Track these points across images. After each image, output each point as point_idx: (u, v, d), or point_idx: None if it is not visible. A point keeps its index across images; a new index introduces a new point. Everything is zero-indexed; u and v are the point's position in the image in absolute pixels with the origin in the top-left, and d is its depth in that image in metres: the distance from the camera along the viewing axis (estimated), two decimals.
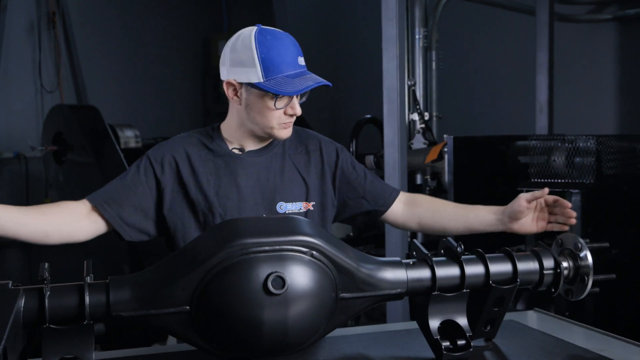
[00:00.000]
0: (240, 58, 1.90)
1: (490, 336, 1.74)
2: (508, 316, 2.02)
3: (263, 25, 1.96)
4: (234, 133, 2.02)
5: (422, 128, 4.13)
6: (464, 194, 3.20)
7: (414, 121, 4.19)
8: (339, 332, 1.83)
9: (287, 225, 1.50)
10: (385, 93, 2.97)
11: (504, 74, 5.63)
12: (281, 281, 1.40)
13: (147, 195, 1.96)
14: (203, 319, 1.43)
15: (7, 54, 6.43)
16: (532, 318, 2.06)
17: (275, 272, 1.40)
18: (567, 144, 3.00)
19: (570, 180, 2.98)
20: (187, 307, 1.43)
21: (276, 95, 1.88)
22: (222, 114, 2.08)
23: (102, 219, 1.92)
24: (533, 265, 1.68)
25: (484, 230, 2.06)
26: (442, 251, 1.69)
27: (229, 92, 1.96)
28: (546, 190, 1.92)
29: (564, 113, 4.73)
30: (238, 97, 1.95)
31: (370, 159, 4.21)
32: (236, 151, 2.01)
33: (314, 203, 2.04)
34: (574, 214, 1.91)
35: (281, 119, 1.94)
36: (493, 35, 5.74)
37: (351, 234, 4.30)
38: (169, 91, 7.68)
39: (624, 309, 3.10)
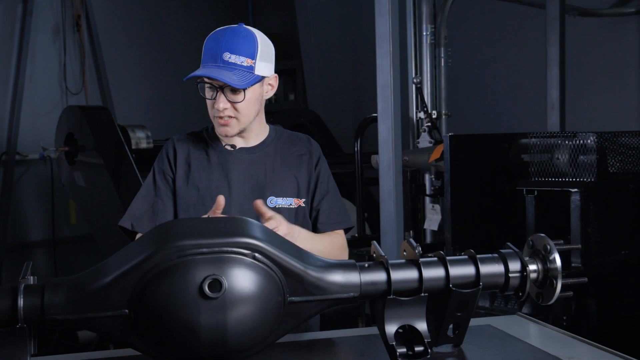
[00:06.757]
0: None
1: (457, 342, 1.66)
2: (486, 321, 1.95)
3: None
4: None
5: (428, 126, 4.05)
6: (462, 194, 3.12)
7: (420, 119, 4.11)
8: (300, 336, 1.79)
9: (229, 226, 1.45)
10: (379, 90, 2.90)
11: (516, 70, 5.52)
12: (218, 284, 1.35)
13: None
14: (143, 323, 1.39)
15: (34, 56, 6.52)
16: (513, 323, 1.96)
17: (212, 274, 1.35)
18: (567, 141, 2.89)
19: (571, 179, 2.87)
20: (126, 311, 1.38)
21: (199, 83, 2.02)
22: None
23: None
24: (498, 268, 1.60)
25: None
26: (404, 253, 1.62)
27: None
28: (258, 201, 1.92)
29: (581, 110, 4.61)
30: None
31: (375, 158, 4.13)
32: (228, 147, 2.11)
33: (304, 200, 2.12)
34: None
35: (213, 111, 2.03)
36: (503, 30, 5.63)
37: (356, 235, 4.25)
38: (194, 92, 7.70)
39: (631, 319, 2.96)
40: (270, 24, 8.00)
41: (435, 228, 3.91)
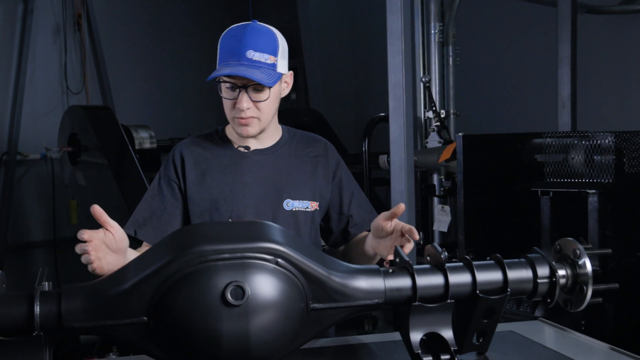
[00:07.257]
0: None
1: (482, 350, 1.61)
2: (508, 327, 1.91)
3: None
4: (234, 132, 2.04)
5: (436, 126, 4.00)
6: (475, 195, 3.07)
7: (429, 119, 4.06)
8: (316, 343, 1.74)
9: (251, 230, 1.40)
10: (390, 89, 2.85)
11: (525, 69, 5.47)
12: (241, 291, 1.30)
13: (180, 211, 2.03)
14: (162, 331, 1.34)
15: (34, 56, 6.49)
16: (535, 329, 1.92)
17: (235, 281, 1.30)
18: (584, 141, 2.84)
19: (588, 180, 2.82)
20: (145, 318, 1.33)
21: (218, 82, 1.92)
22: None
23: None
24: (526, 273, 1.55)
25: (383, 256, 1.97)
26: (428, 258, 1.57)
27: None
28: (402, 206, 1.82)
29: (589, 109, 4.56)
30: None
31: (383, 159, 4.09)
32: (242, 149, 2.03)
33: (319, 204, 2.04)
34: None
35: (234, 112, 1.93)
36: (513, 29, 5.58)
37: None
38: (196, 92, 7.64)
39: None
40: (271, 23, 7.90)
41: (445, 229, 3.86)
